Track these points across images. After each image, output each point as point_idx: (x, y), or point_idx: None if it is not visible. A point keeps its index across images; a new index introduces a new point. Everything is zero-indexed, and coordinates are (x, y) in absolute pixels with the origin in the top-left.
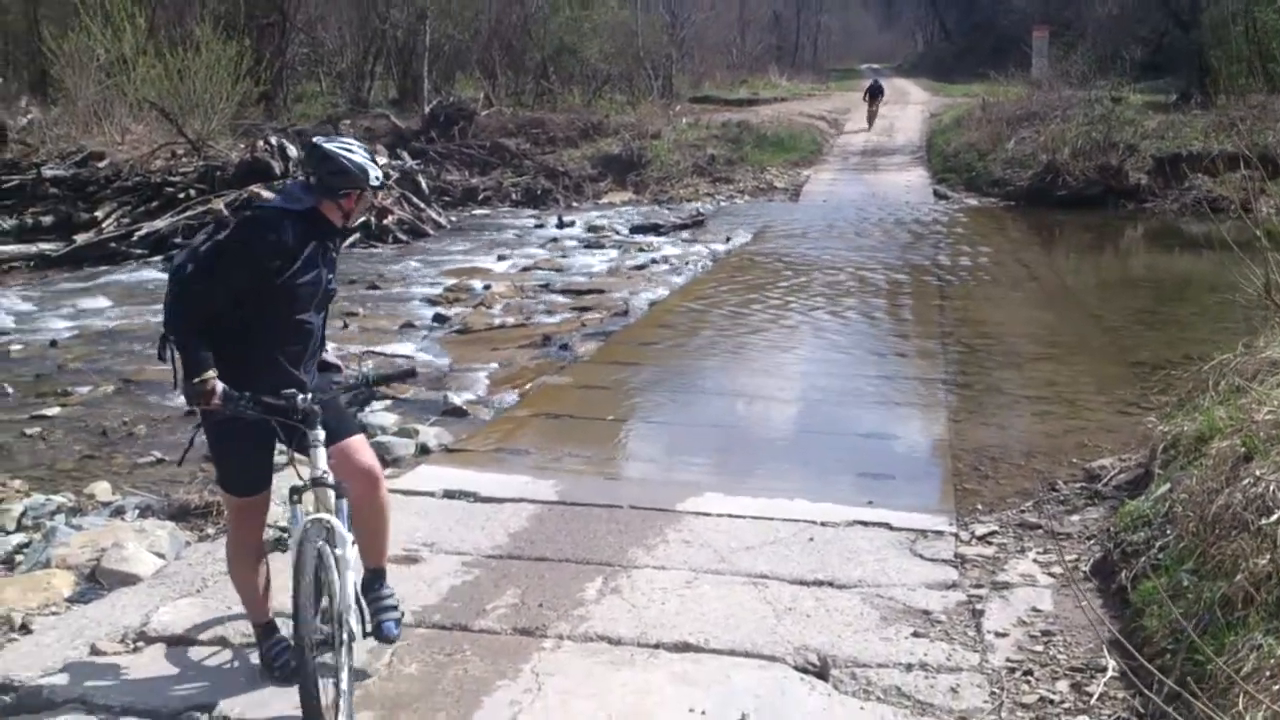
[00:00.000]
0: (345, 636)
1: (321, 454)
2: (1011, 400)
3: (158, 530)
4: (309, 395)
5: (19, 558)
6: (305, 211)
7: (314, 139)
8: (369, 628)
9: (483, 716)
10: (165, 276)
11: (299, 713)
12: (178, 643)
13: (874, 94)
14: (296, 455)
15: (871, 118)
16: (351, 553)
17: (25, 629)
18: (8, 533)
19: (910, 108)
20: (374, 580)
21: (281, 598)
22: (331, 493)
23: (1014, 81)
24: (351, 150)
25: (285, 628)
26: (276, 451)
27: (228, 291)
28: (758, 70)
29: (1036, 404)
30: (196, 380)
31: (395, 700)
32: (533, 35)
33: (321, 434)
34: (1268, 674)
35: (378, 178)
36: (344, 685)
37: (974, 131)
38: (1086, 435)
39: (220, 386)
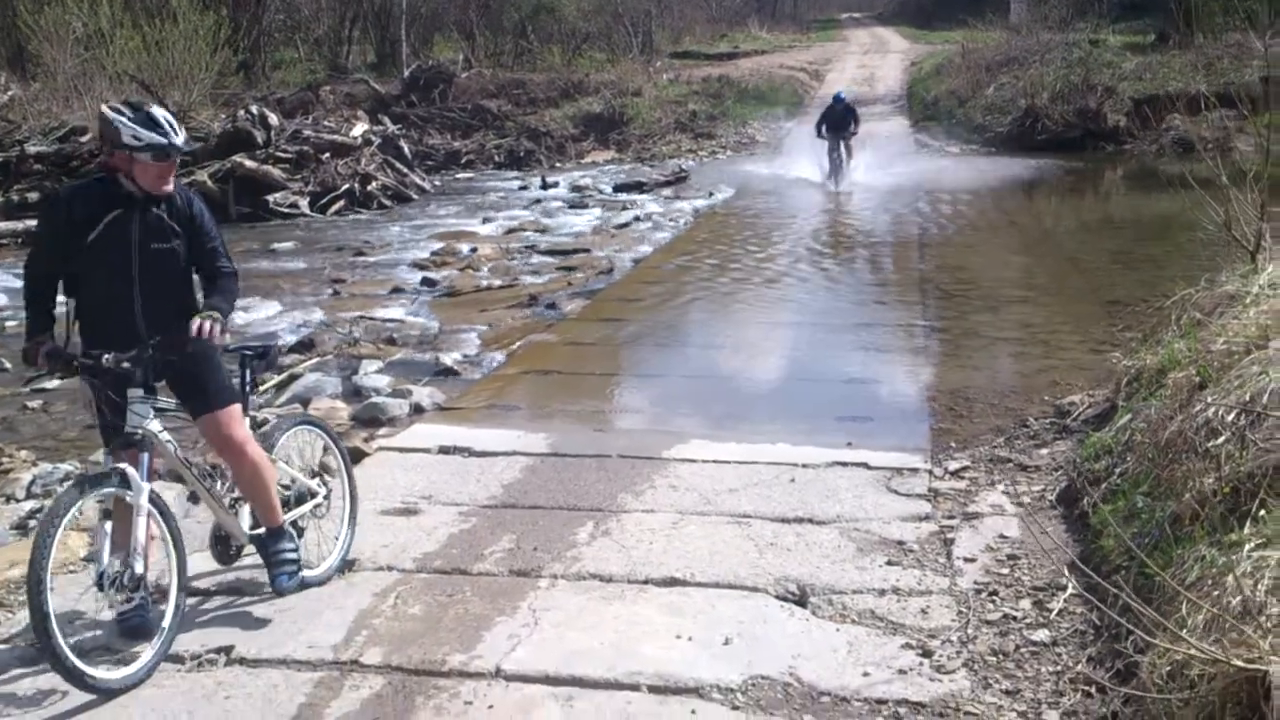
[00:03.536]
0: (127, 577)
1: (134, 410)
2: (988, 342)
3: (165, 492)
4: (113, 355)
5: (31, 523)
6: (103, 179)
7: (102, 107)
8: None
9: (484, 648)
10: None
11: (311, 652)
12: (192, 593)
13: (840, 119)
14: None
15: (836, 167)
16: (144, 499)
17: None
18: (18, 500)
19: (890, 56)
20: (269, 539)
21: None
22: (135, 445)
23: (993, 27)
24: (120, 111)
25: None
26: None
27: (46, 263)
28: (738, 24)
29: (1012, 345)
30: (28, 343)
31: (402, 637)
32: None
33: (138, 391)
34: (1210, 581)
35: (136, 138)
36: (165, 617)
37: (954, 79)
38: (1059, 374)
39: (45, 349)
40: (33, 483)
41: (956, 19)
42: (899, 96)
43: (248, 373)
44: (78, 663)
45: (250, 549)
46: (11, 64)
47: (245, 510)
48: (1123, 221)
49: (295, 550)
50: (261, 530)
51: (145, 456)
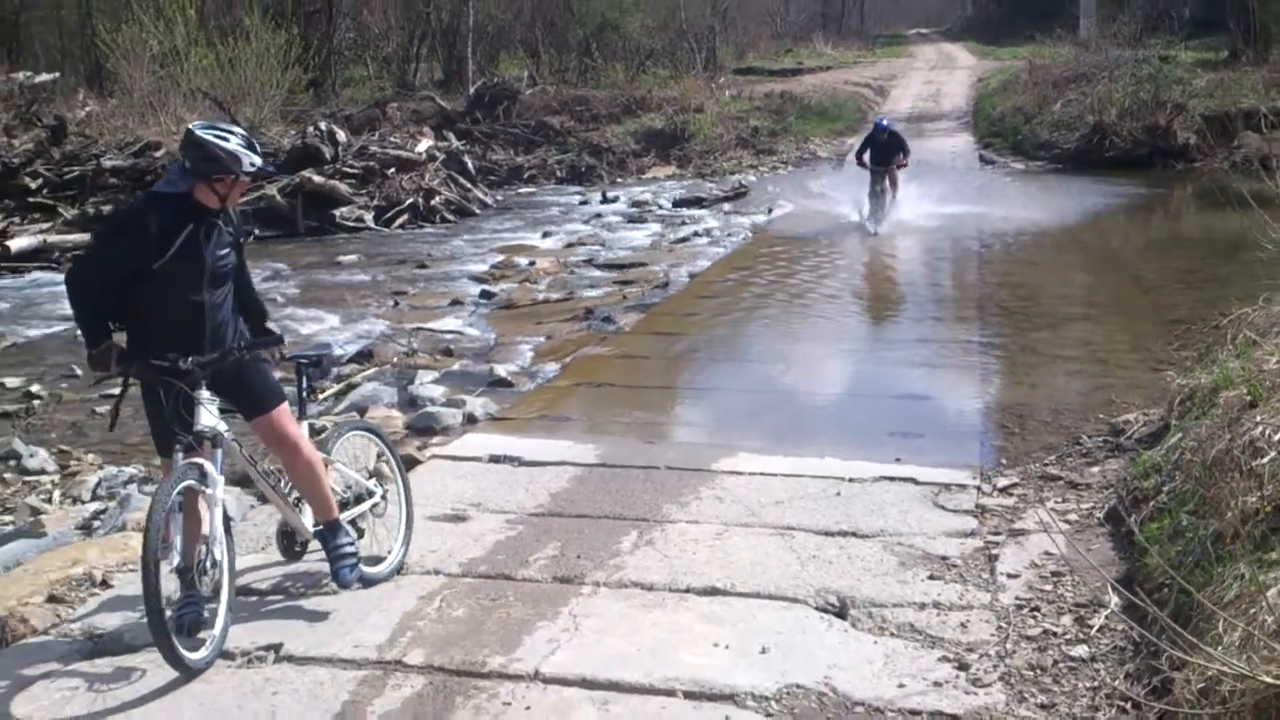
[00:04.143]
0: (209, 563)
1: (205, 409)
2: (1045, 360)
3: (224, 495)
4: (189, 358)
5: (95, 523)
6: (180, 195)
7: (189, 126)
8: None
9: (524, 651)
10: None
11: (357, 652)
12: (245, 592)
13: (883, 150)
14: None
15: (877, 205)
16: (219, 491)
17: (106, 584)
18: (84, 502)
19: (957, 73)
20: (327, 532)
21: None
22: (209, 442)
23: (1061, 43)
24: (224, 137)
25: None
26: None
27: (106, 277)
28: (803, 39)
29: (1069, 363)
30: (94, 350)
31: (445, 639)
32: (575, 12)
33: (205, 393)
34: (1247, 600)
35: (253, 164)
36: (219, 608)
37: (1020, 95)
38: (1115, 393)
39: (116, 352)
40: (98, 485)
41: (1024, 35)
42: (965, 113)
43: (304, 380)
44: (178, 643)
45: (315, 545)
46: (89, 81)
47: (308, 508)
48: (1190, 240)
49: (353, 544)
50: (317, 527)
51: (219, 453)
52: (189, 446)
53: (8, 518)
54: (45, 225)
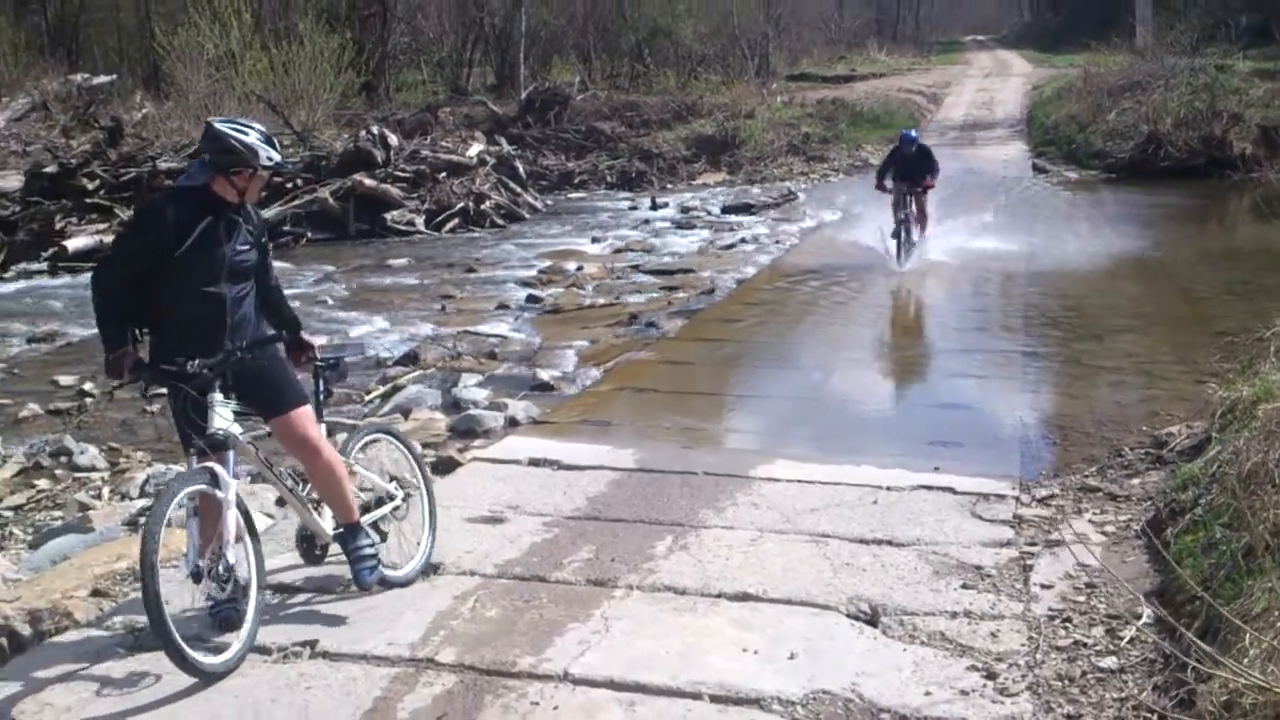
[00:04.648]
0: (222, 568)
1: (215, 413)
2: (1089, 371)
3: (267, 493)
4: (198, 361)
5: (142, 519)
6: (198, 188)
7: (210, 120)
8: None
9: (554, 652)
10: (274, 263)
11: (390, 649)
12: (282, 590)
13: (908, 167)
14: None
15: (903, 233)
16: (232, 495)
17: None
18: (132, 499)
19: (1012, 80)
20: (347, 534)
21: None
22: (221, 445)
23: (1118, 51)
24: (243, 131)
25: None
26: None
27: (129, 272)
28: (856, 46)
29: (1113, 374)
30: (110, 356)
31: (477, 639)
32: (627, 18)
33: (218, 396)
34: (1276, 613)
35: (270, 158)
36: (247, 612)
37: (1075, 103)
38: (1160, 404)
39: (130, 360)
40: (146, 482)
41: (1080, 42)
42: (1018, 121)
43: (321, 382)
44: (184, 645)
45: (335, 548)
46: (146, 83)
47: (328, 510)
48: (1242, 251)
49: (373, 546)
50: (336, 529)
51: (230, 455)
52: (202, 450)
53: (57, 513)
54: (102, 226)
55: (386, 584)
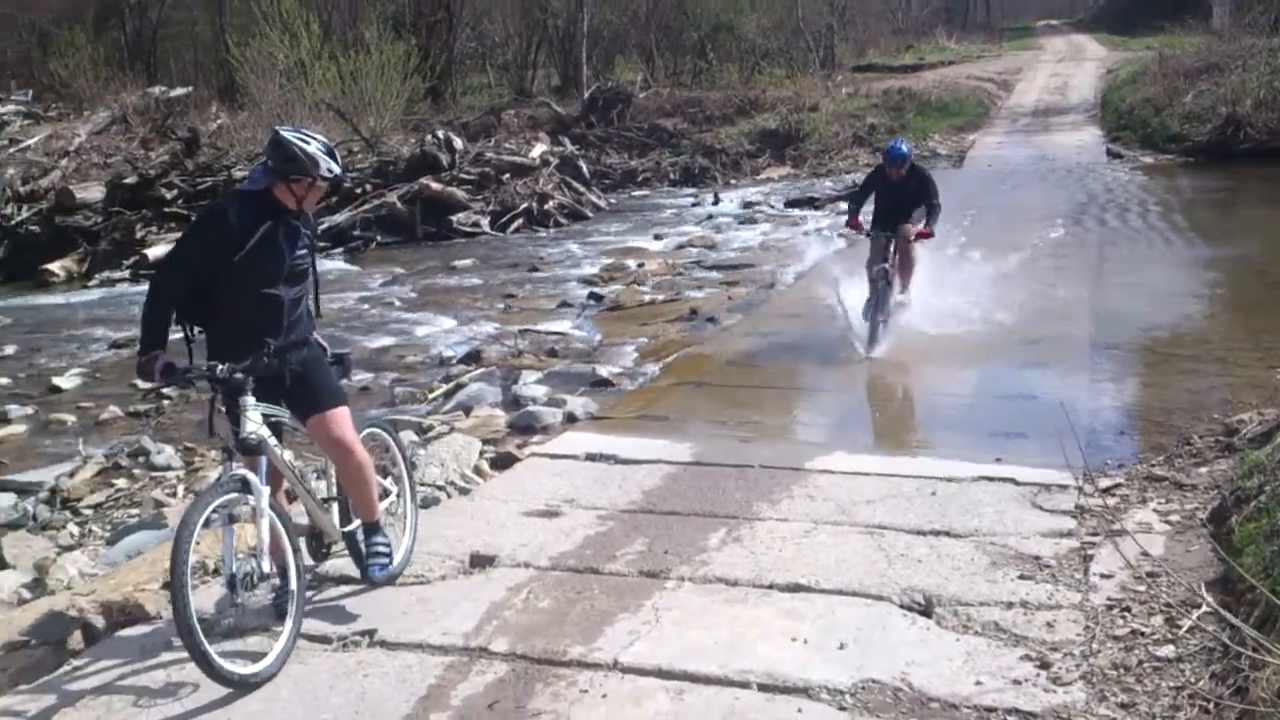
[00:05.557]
0: (256, 577)
1: (247, 417)
2: (1160, 359)
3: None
4: (227, 365)
5: (213, 516)
6: (260, 193)
7: (275, 127)
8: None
9: (604, 642)
10: (344, 267)
11: (445, 638)
12: (344, 580)
13: (894, 196)
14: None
15: (878, 303)
16: (265, 502)
17: (217, 572)
18: None
19: (1086, 64)
20: (368, 532)
21: None
22: (254, 450)
23: (1194, 33)
24: (306, 140)
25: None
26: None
27: (189, 273)
28: (925, 35)
29: (1185, 362)
30: (143, 358)
31: (529, 629)
32: (689, 14)
33: (250, 399)
34: None
35: (330, 170)
36: (286, 620)
37: (1150, 86)
38: (1232, 392)
39: (160, 363)
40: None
41: (1156, 25)
42: (1092, 106)
43: None
44: (215, 657)
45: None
46: (222, 94)
47: (334, 509)
48: None
49: (388, 545)
50: (355, 525)
51: (263, 461)
52: (234, 453)
53: (134, 511)
54: (180, 234)
55: (390, 579)
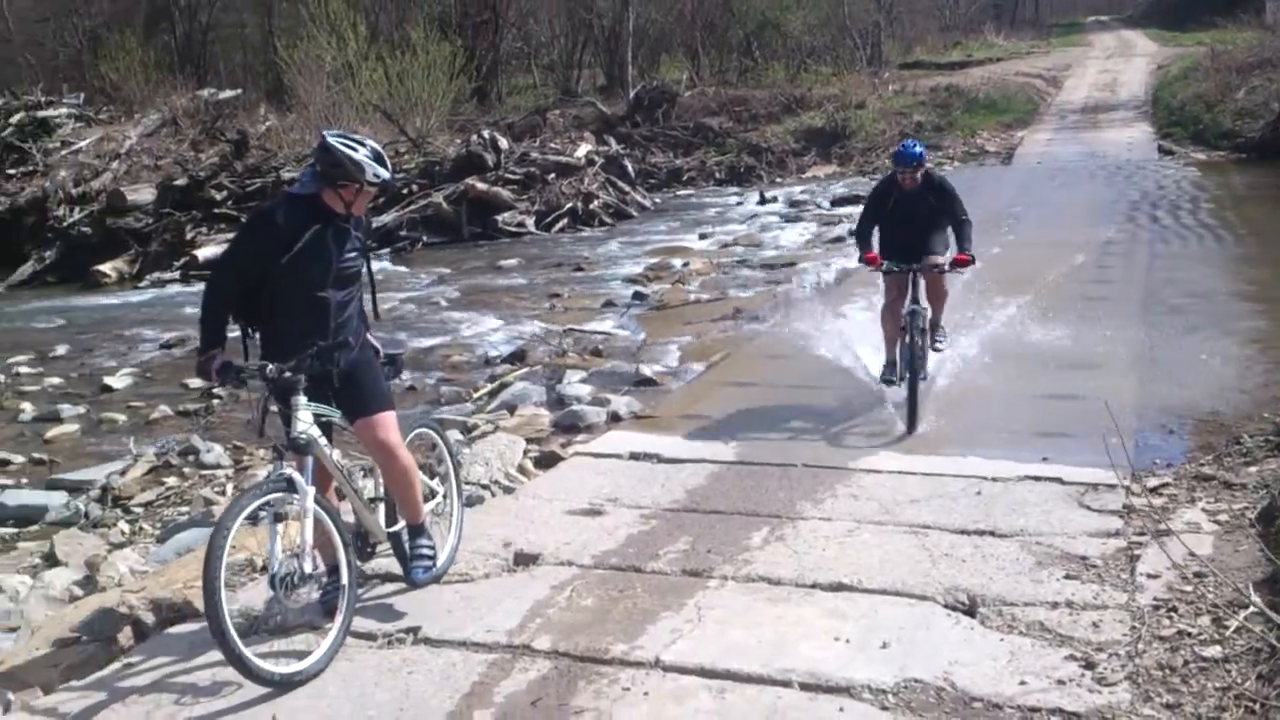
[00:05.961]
0: (297, 578)
1: (298, 416)
2: (1211, 358)
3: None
4: (276, 365)
5: (261, 514)
6: (309, 197)
7: (325, 133)
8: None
9: (646, 640)
10: (391, 268)
11: (488, 636)
12: (391, 579)
13: (909, 211)
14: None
15: (910, 353)
16: (310, 502)
17: (265, 569)
18: None
19: (1135, 60)
20: (412, 533)
21: None
22: (301, 452)
23: (1246, 28)
24: (353, 147)
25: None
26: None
27: (240, 275)
28: (973, 32)
29: (1237, 362)
30: (201, 357)
31: (572, 626)
32: (735, 13)
33: (302, 399)
34: None
35: (377, 175)
36: (338, 613)
37: (1202, 82)
38: None
39: (218, 362)
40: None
41: (1208, 20)
42: (1143, 102)
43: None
44: (251, 657)
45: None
46: (270, 96)
47: (380, 509)
48: None
49: (432, 547)
50: (400, 526)
51: (310, 460)
52: (283, 452)
53: (184, 509)
54: (230, 235)
55: (433, 580)
